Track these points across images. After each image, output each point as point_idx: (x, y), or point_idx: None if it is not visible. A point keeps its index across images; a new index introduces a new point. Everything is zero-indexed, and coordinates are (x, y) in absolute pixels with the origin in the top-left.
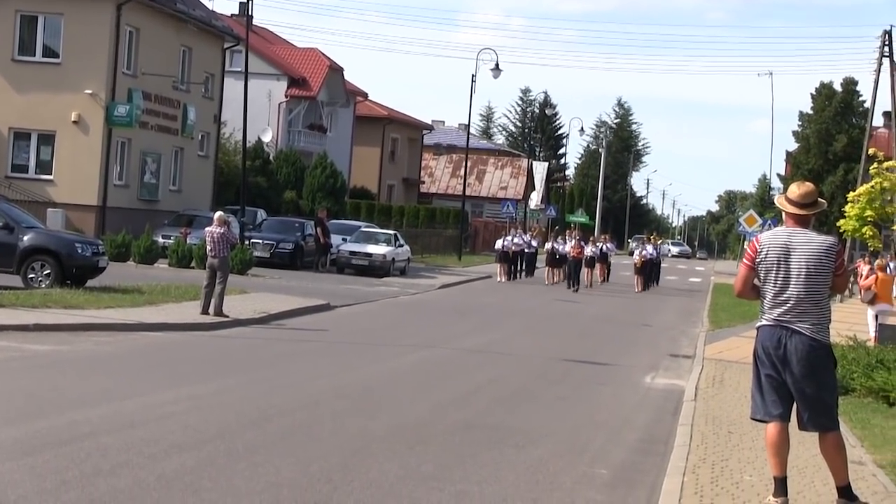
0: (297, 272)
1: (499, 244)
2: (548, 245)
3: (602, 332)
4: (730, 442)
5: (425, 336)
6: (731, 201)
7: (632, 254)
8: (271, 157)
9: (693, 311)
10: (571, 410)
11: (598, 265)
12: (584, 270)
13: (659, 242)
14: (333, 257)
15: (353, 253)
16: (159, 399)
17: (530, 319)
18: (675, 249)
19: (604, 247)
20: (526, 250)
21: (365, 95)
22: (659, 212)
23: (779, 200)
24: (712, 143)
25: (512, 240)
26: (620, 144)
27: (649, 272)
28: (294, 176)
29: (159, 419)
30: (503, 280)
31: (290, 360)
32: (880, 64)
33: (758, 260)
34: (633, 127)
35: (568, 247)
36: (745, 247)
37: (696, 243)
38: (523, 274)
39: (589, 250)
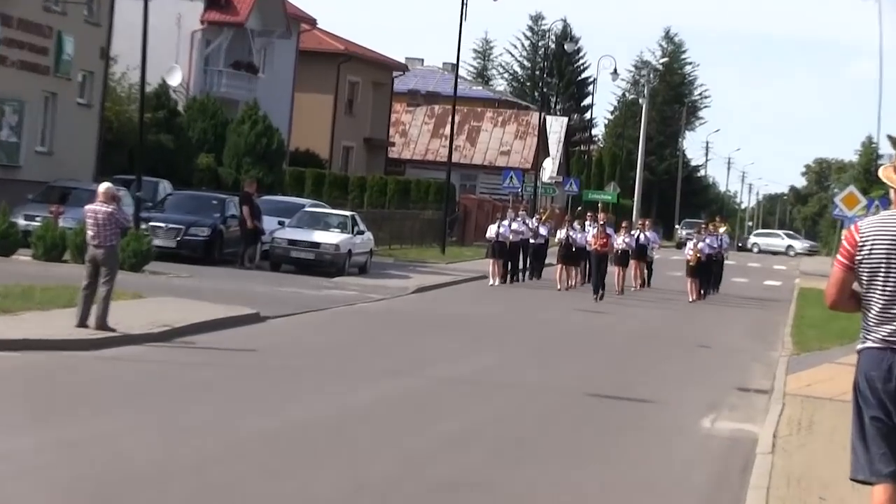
0: (215, 269)
1: (491, 231)
2: (560, 233)
3: (641, 356)
4: None
5: (393, 360)
6: (823, 174)
7: (681, 246)
8: (180, 108)
9: (770, 326)
10: (598, 468)
11: (633, 263)
12: (615, 270)
13: (722, 231)
14: (266, 248)
15: (293, 242)
16: (12, 447)
17: (540, 338)
18: (798, 245)
19: (641, 236)
20: (531, 241)
21: (313, 22)
22: (722, 188)
23: (885, 173)
24: (797, 94)
25: (510, 225)
26: (669, 94)
27: (708, 273)
28: (212, 134)
29: (13, 478)
30: (497, 283)
31: (203, 392)
32: None
33: (858, 257)
34: (687, 70)
35: (588, 236)
36: (842, 238)
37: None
38: (527, 274)
39: (620, 241)
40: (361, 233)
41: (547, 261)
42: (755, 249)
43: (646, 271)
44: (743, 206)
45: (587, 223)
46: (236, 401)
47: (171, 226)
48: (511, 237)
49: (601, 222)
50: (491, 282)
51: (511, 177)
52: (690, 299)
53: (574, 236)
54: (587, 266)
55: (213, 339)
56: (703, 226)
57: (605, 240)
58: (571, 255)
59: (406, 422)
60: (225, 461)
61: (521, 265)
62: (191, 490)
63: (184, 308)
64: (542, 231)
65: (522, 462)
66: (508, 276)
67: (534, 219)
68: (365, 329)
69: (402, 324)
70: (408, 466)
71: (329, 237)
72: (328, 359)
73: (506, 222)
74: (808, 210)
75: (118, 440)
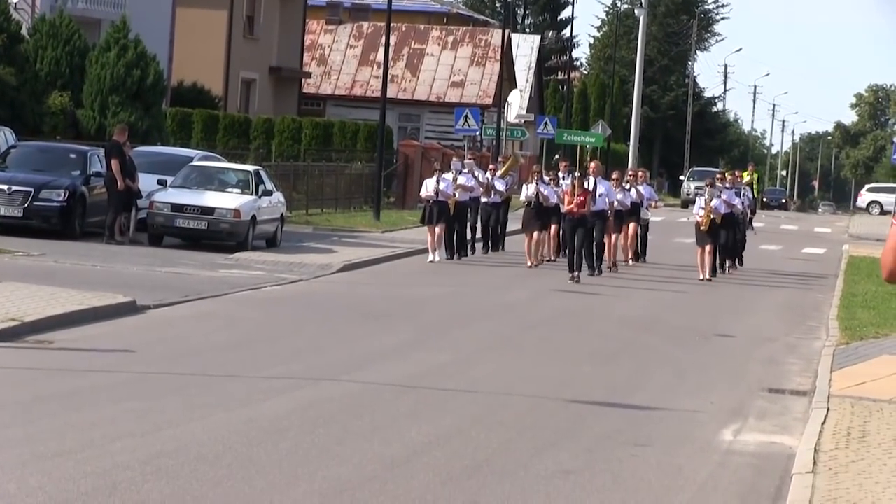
0: (76, 244)
1: (427, 188)
2: (528, 189)
3: (640, 348)
4: None
5: (313, 360)
6: (879, 106)
7: (687, 205)
8: (24, 31)
9: (809, 308)
10: (583, 495)
11: (624, 228)
12: (608, 237)
13: (743, 181)
14: (143, 216)
15: (178, 208)
16: None
17: (506, 327)
18: (823, 209)
19: (633, 191)
20: (484, 200)
21: None
22: (747, 126)
23: None
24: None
25: (454, 179)
26: (674, 3)
27: (727, 241)
28: (67, 65)
29: None
30: (437, 258)
31: (64, 406)
32: None
33: None
34: None
35: (560, 190)
36: None
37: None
38: (481, 246)
39: (602, 198)
40: (269, 193)
41: (510, 227)
42: (874, 210)
43: (640, 239)
44: (774, 150)
45: (561, 174)
46: (107, 417)
47: (15, 188)
48: (456, 195)
49: (614, 177)
50: (430, 257)
51: (466, 116)
52: (701, 276)
53: (545, 192)
54: (562, 233)
55: (77, 337)
56: (719, 176)
57: (582, 197)
58: (540, 215)
59: (331, 441)
60: (95, 496)
61: (469, 233)
62: None
63: (36, 296)
64: (499, 186)
65: (484, 492)
66: (455, 249)
67: (488, 170)
68: (275, 321)
69: (324, 313)
70: (333, 500)
71: (226, 200)
72: (227, 360)
73: (448, 175)
74: (860, 154)
75: None
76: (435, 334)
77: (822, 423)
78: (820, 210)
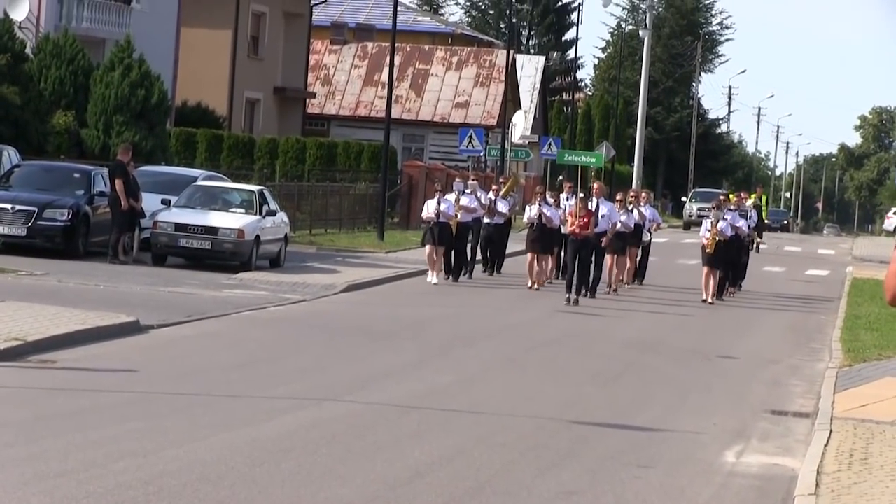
0: (79, 263)
1: (429, 210)
2: (530, 210)
3: (643, 369)
4: None
5: (316, 380)
6: (883, 128)
7: (689, 226)
8: (29, 50)
9: (812, 329)
10: None
11: (627, 250)
12: (606, 260)
13: (749, 203)
14: (147, 236)
15: (182, 228)
16: None
17: (509, 347)
18: (828, 230)
19: (636, 212)
20: (486, 221)
21: None
22: (751, 147)
23: None
24: (846, 21)
25: (456, 200)
26: (679, 24)
27: (730, 263)
28: (71, 84)
29: None
30: (437, 279)
31: (66, 426)
32: None
33: None
34: None
35: (562, 212)
36: None
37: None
38: (481, 268)
39: (605, 219)
40: (273, 213)
41: (510, 248)
42: None
43: (641, 261)
44: (778, 172)
45: (564, 195)
46: (110, 437)
47: (19, 207)
48: (453, 216)
49: (619, 199)
50: (430, 278)
51: (470, 136)
52: (704, 297)
53: (548, 213)
54: (564, 255)
55: (79, 357)
56: (723, 198)
57: (585, 219)
58: (543, 239)
59: (334, 462)
60: None
61: (469, 254)
62: None
63: (40, 316)
64: (501, 207)
65: None
66: (453, 270)
67: (490, 191)
68: (278, 341)
69: (327, 333)
70: None
71: (230, 220)
72: (231, 380)
73: (450, 196)
74: (864, 175)
75: None
76: (438, 355)
77: (825, 445)
78: (825, 232)
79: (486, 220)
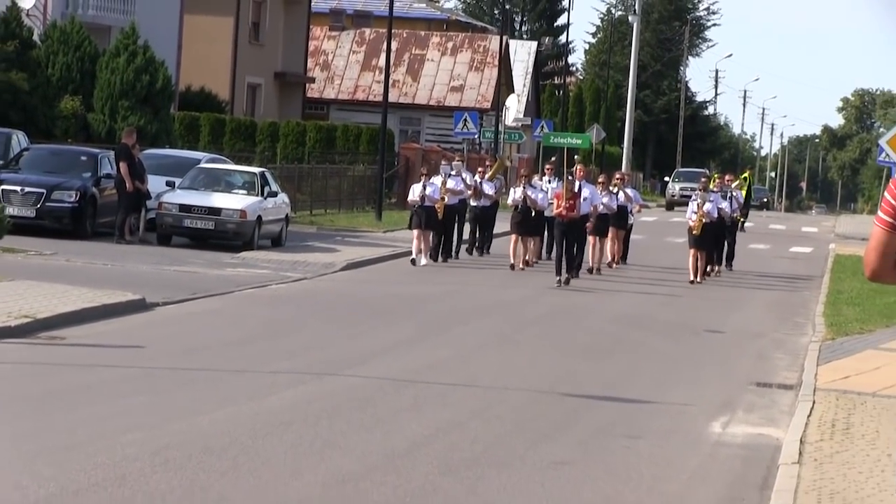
0: (87, 244)
1: (414, 193)
2: (515, 192)
3: (633, 344)
4: None
5: (317, 355)
6: (865, 109)
7: (672, 206)
8: (36, 37)
9: (797, 305)
10: (577, 485)
11: (611, 231)
12: (589, 241)
13: (735, 185)
14: (152, 216)
15: (186, 209)
16: None
17: (503, 323)
18: (816, 210)
19: (621, 194)
20: (473, 203)
21: None
22: (737, 129)
23: None
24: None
25: (442, 183)
26: (667, 9)
27: (716, 244)
28: (78, 70)
29: None
30: (424, 261)
31: (75, 400)
32: None
33: None
34: None
35: (548, 194)
36: (884, 191)
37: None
38: (467, 248)
39: (587, 202)
40: (274, 195)
41: (497, 230)
42: None
43: (623, 242)
44: (763, 153)
45: (545, 177)
46: (117, 411)
47: (28, 190)
48: (439, 199)
49: (599, 181)
50: (418, 261)
51: (465, 119)
52: (692, 278)
53: (532, 196)
54: (549, 238)
55: (87, 334)
56: (704, 179)
57: (571, 200)
58: (529, 221)
59: (334, 434)
60: (105, 486)
61: (455, 235)
62: None
63: (48, 294)
64: (488, 189)
65: (483, 482)
66: (441, 251)
67: (476, 173)
68: (281, 317)
69: (328, 310)
70: (335, 491)
71: (232, 201)
72: (233, 356)
73: (436, 179)
74: (847, 156)
75: None
76: (435, 331)
77: (808, 416)
78: (813, 212)
79: (472, 202)
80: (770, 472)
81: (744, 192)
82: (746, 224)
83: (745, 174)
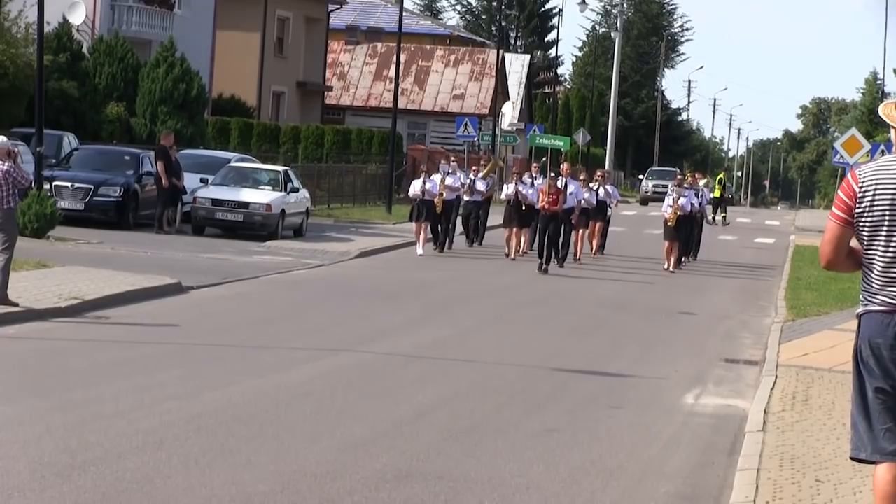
0: (129, 234)
1: (415, 188)
2: (508, 188)
3: (615, 324)
4: (819, 496)
5: (333, 333)
6: (822, 116)
7: (646, 202)
8: (85, 50)
9: (761, 290)
10: (565, 450)
11: (591, 224)
12: (575, 233)
13: (703, 183)
14: (187, 210)
15: (218, 203)
16: None
17: (500, 305)
18: (782, 206)
19: (601, 190)
20: (466, 198)
21: None
22: (707, 133)
23: (885, 110)
24: (790, 24)
25: (441, 180)
26: (645, 26)
27: (688, 236)
28: (122, 79)
29: None
30: (422, 250)
31: (118, 373)
32: None
33: (858, 210)
34: None
35: (535, 189)
36: (838, 188)
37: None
38: (465, 239)
39: (572, 197)
40: (296, 190)
41: (490, 223)
42: None
43: (603, 234)
44: (731, 154)
45: (533, 175)
46: (156, 383)
47: (77, 185)
48: (438, 194)
49: (582, 178)
50: (418, 251)
51: (465, 124)
52: (666, 266)
53: (524, 192)
54: (536, 229)
55: (129, 314)
56: (679, 177)
57: (555, 195)
58: (520, 214)
59: (348, 404)
60: (144, 451)
61: (451, 228)
62: (107, 483)
63: (95, 278)
64: (480, 186)
65: (481, 447)
66: (439, 242)
67: (470, 171)
68: (301, 299)
69: (343, 293)
70: (350, 454)
71: (259, 196)
72: (259, 334)
73: (435, 176)
74: (805, 157)
75: (23, 428)
76: (438, 312)
77: (771, 389)
78: (779, 207)
79: (465, 197)
80: (737, 438)
81: (718, 192)
82: (727, 218)
83: (721, 175)
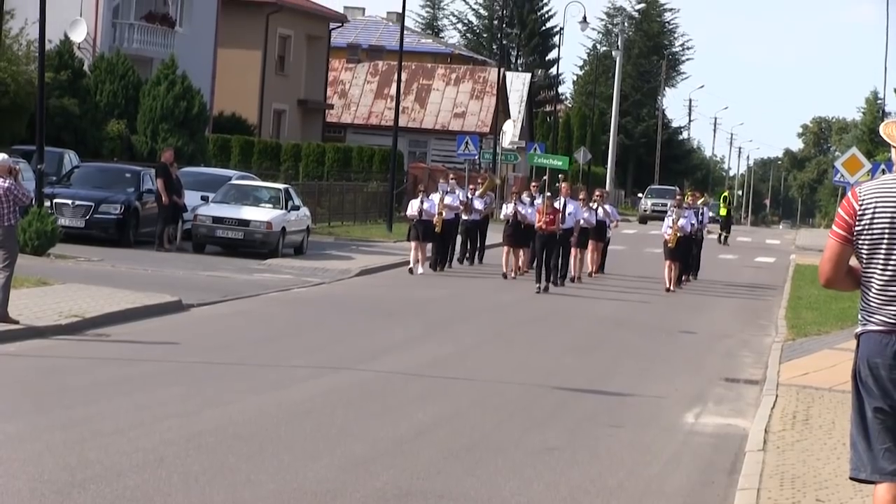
0: (130, 251)
1: (413, 208)
2: (507, 208)
3: (615, 342)
4: None
5: (333, 351)
6: (822, 135)
7: (644, 221)
8: (86, 67)
9: (761, 309)
10: (566, 468)
11: (591, 244)
12: (573, 253)
13: (701, 202)
14: (188, 227)
15: (219, 220)
16: None
17: (500, 323)
18: (784, 225)
19: (600, 210)
20: (464, 217)
21: None
22: (708, 152)
23: (886, 129)
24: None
25: (441, 199)
26: (646, 45)
27: (688, 255)
28: (123, 97)
29: None
30: (420, 269)
31: (118, 390)
32: None
33: (857, 228)
34: (666, 17)
35: (534, 209)
36: (838, 207)
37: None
38: (463, 259)
39: (571, 216)
40: (297, 208)
41: (490, 241)
42: None
43: (602, 253)
44: (731, 173)
45: (531, 195)
46: (156, 400)
47: (78, 203)
48: (437, 213)
49: (581, 197)
50: (415, 270)
51: (466, 142)
52: (668, 287)
53: (522, 211)
54: (534, 249)
55: (130, 331)
56: (679, 197)
57: (551, 216)
58: (519, 233)
59: (348, 422)
60: (144, 468)
61: (452, 248)
62: (107, 500)
63: (95, 296)
64: (478, 205)
65: (481, 466)
66: (440, 261)
67: (467, 189)
68: (302, 317)
69: (343, 311)
70: (350, 472)
71: (259, 214)
72: (260, 351)
73: (434, 196)
74: (806, 176)
75: (23, 445)
76: (438, 330)
77: (772, 408)
78: (781, 227)
79: (464, 216)
80: (738, 458)
81: (724, 210)
82: (728, 238)
83: (725, 193)
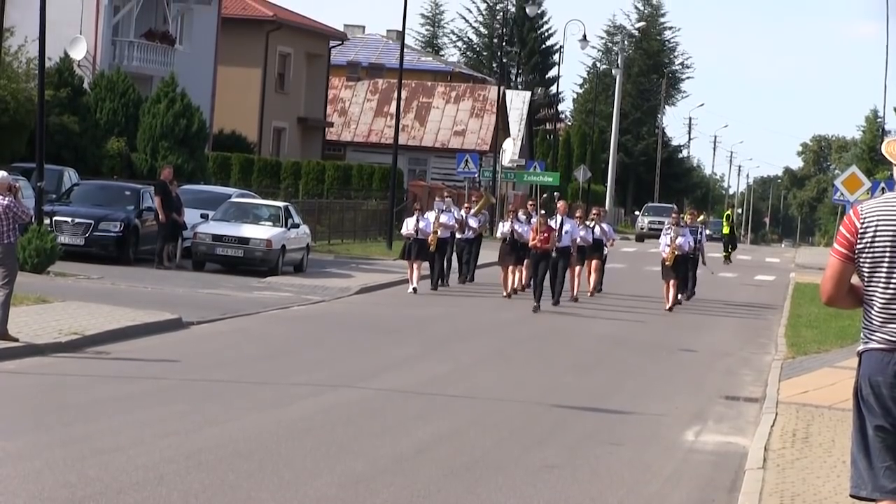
0: (130, 269)
1: (408, 227)
2: (504, 226)
3: (614, 361)
4: None
5: (333, 369)
6: (822, 153)
7: (641, 238)
8: (86, 85)
9: (761, 327)
10: (566, 486)
11: (587, 262)
12: (575, 271)
13: (700, 220)
14: (188, 245)
15: (218, 238)
16: None
17: (500, 341)
18: (785, 244)
19: (597, 228)
20: (458, 236)
21: None
22: (708, 170)
23: (888, 148)
24: (790, 61)
25: (436, 217)
26: (646, 63)
27: (685, 274)
28: (123, 114)
29: None
30: (415, 284)
31: (118, 408)
32: None
33: (859, 246)
34: (666, 35)
35: (530, 227)
36: (840, 225)
37: (766, 221)
38: (458, 277)
39: (567, 235)
40: (296, 226)
41: (482, 260)
42: None
43: (599, 272)
44: (731, 191)
45: (527, 213)
46: (156, 418)
47: (78, 220)
48: (432, 232)
49: (577, 215)
50: (410, 288)
51: (466, 160)
52: (667, 306)
53: (519, 230)
54: (531, 268)
55: (130, 349)
56: (675, 214)
57: (546, 235)
58: (516, 252)
59: (348, 439)
60: (144, 486)
61: (446, 265)
62: None
63: (95, 313)
64: (472, 223)
65: (481, 484)
66: (438, 279)
67: (462, 208)
68: (301, 335)
69: (343, 329)
70: (350, 490)
71: (259, 231)
72: (260, 369)
73: (429, 215)
74: (805, 194)
75: (23, 463)
76: (438, 348)
77: (772, 426)
78: (783, 245)
79: (458, 235)
80: (738, 476)
81: (727, 228)
82: (729, 257)
83: (728, 212)
